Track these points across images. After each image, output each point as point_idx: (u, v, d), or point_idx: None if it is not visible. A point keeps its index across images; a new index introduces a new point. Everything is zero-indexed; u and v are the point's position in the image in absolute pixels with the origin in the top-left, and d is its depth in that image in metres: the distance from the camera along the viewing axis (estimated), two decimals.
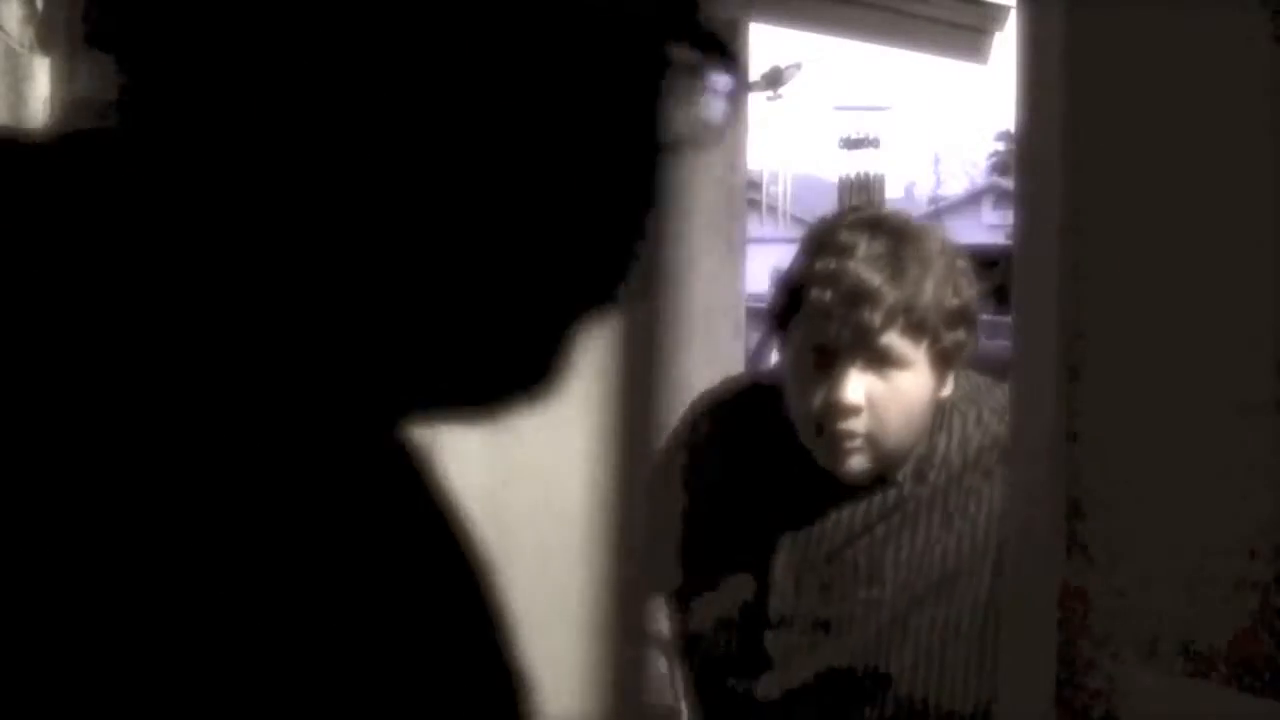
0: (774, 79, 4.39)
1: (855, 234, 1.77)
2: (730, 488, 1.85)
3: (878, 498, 1.78)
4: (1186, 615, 1.00)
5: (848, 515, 1.78)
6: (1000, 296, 1.89)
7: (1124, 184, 1.02)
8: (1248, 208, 0.96)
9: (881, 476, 1.78)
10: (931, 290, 1.73)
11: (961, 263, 1.80)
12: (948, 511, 1.76)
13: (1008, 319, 1.28)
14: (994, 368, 1.76)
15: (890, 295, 1.71)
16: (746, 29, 4.01)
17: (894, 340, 1.71)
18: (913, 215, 1.90)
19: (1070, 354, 1.05)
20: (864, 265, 1.72)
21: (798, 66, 4.49)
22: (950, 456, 1.78)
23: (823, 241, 1.79)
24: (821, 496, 1.79)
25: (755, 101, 4.27)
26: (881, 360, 1.72)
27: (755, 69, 4.13)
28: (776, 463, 1.82)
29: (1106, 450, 1.03)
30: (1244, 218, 0.96)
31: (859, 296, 1.71)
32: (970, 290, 1.78)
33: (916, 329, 1.72)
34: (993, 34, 4.80)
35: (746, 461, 1.85)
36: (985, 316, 1.80)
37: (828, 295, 1.73)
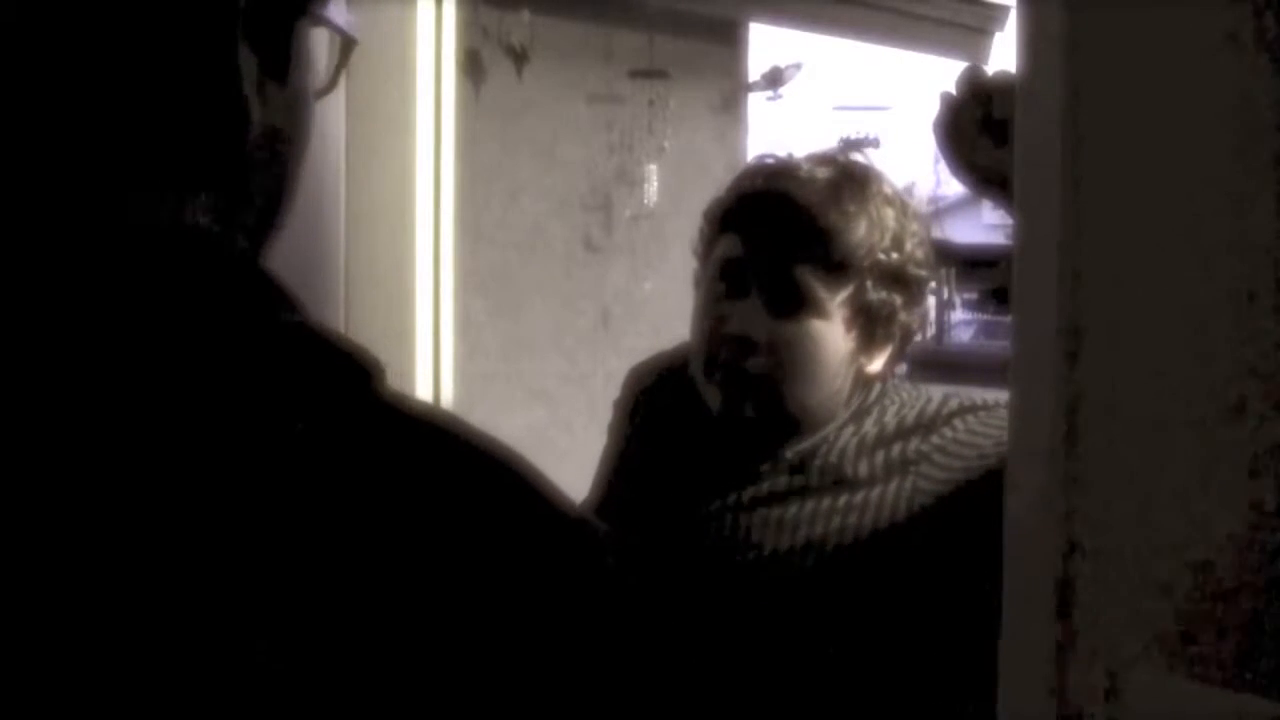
0: (774, 79, 4.39)
1: (800, 161, 1.59)
2: (645, 455, 1.68)
3: (767, 473, 1.58)
4: (1186, 614, 1.00)
5: (734, 484, 1.58)
6: (1000, 296, 1.79)
7: (1125, 183, 1.02)
8: (1250, 208, 0.96)
9: (776, 443, 1.59)
10: (863, 232, 1.53)
11: (916, 226, 1.59)
12: (841, 496, 1.54)
13: (1007, 319, 1.28)
14: (994, 368, 1.65)
15: (811, 220, 1.51)
16: (746, 29, 4.01)
17: (807, 276, 1.53)
18: (875, 166, 1.67)
19: (1069, 353, 1.05)
20: (794, 185, 1.54)
21: (798, 66, 4.49)
22: (848, 443, 1.57)
23: (764, 164, 1.62)
24: (713, 461, 1.60)
25: (755, 101, 4.26)
26: (791, 297, 1.53)
27: (755, 69, 4.13)
28: (688, 427, 1.65)
29: (1106, 450, 1.03)
30: (1246, 218, 0.96)
31: (778, 216, 1.52)
32: (919, 254, 1.57)
33: (836, 271, 1.52)
34: (993, 34, 4.80)
35: (664, 426, 1.69)
36: (985, 316, 1.71)
37: (746, 209, 1.57)
